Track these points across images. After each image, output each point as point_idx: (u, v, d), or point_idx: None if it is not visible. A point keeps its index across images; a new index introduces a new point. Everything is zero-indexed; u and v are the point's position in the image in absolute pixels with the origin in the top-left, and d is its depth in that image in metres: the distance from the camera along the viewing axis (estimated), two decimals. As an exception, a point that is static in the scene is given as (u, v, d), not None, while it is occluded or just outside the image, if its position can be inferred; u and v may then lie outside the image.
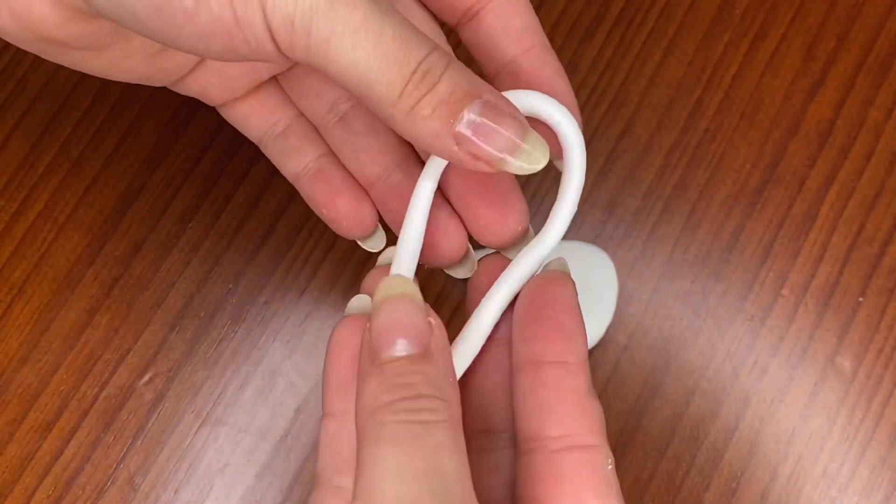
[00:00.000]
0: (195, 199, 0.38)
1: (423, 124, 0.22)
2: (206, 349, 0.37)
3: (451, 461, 0.20)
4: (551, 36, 0.40)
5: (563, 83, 0.27)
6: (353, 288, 0.37)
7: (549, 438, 0.22)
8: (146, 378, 0.37)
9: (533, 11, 0.28)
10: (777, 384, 0.37)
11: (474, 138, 0.22)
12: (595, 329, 0.36)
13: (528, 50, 0.27)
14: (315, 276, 0.38)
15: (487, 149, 0.22)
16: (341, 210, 0.29)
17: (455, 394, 0.22)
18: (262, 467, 0.36)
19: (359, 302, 0.26)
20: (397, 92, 0.22)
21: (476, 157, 0.22)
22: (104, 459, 0.36)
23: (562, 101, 0.25)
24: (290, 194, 0.38)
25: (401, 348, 0.22)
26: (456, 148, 0.22)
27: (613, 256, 0.37)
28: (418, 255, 0.26)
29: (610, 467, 0.22)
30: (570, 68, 0.40)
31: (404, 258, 0.26)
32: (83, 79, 0.39)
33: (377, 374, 0.22)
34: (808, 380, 0.37)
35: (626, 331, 0.37)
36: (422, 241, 0.26)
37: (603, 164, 0.39)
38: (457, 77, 0.22)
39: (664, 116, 0.39)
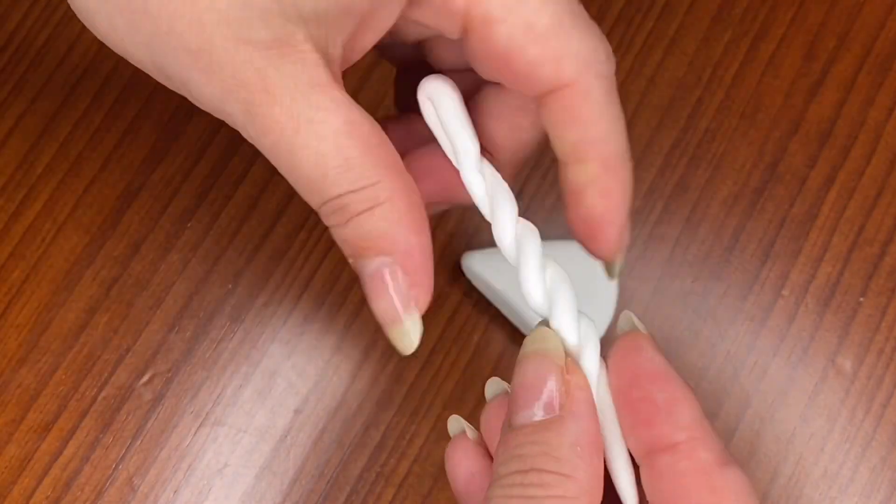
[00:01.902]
0: (194, 199, 0.38)
1: (337, 242, 0.22)
2: (205, 350, 0.37)
3: None
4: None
5: (607, 213, 0.23)
6: (353, 289, 0.37)
7: None
8: (145, 378, 0.37)
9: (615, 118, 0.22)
10: (777, 385, 0.37)
11: (367, 288, 0.22)
12: (595, 329, 0.36)
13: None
14: (314, 277, 0.38)
15: (374, 303, 0.22)
16: None
17: (586, 464, 0.20)
18: (261, 468, 0.36)
19: (457, 423, 0.25)
20: (314, 207, 0.22)
21: (369, 302, 0.22)
22: (103, 460, 0.36)
23: (601, 236, 0.23)
24: (290, 194, 0.38)
25: (529, 414, 0.20)
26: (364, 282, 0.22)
27: (613, 256, 0.37)
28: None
29: None
30: (570, 68, 0.40)
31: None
32: (82, 79, 0.39)
33: (504, 442, 0.20)
34: (808, 380, 0.37)
35: (627, 331, 0.37)
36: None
37: (603, 164, 0.39)
38: (368, 225, 0.21)
39: (664, 116, 0.39)
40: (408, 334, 0.22)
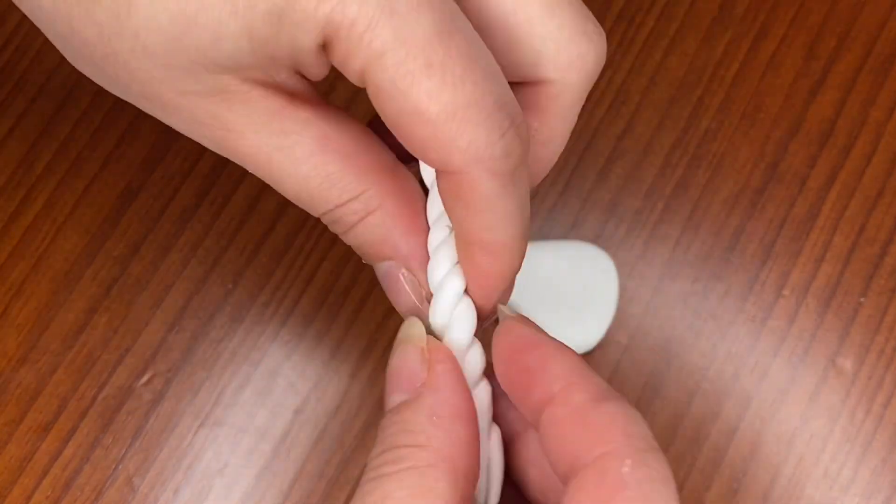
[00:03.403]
0: (194, 198, 0.38)
1: None
2: (205, 350, 0.37)
3: None
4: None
5: (483, 291, 0.22)
6: (353, 289, 0.37)
7: (563, 480, 0.19)
8: (145, 378, 0.37)
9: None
10: (778, 385, 0.36)
11: (384, 285, 0.22)
12: (596, 329, 0.36)
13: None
14: (314, 277, 0.38)
15: (394, 301, 0.22)
16: None
17: (443, 432, 0.20)
18: (261, 468, 0.36)
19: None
20: (317, 215, 0.21)
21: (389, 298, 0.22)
22: (103, 460, 0.36)
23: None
24: (290, 194, 0.38)
25: (394, 398, 0.21)
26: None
27: (614, 257, 0.37)
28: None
29: (626, 469, 0.18)
30: (571, 68, 0.39)
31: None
32: (82, 78, 0.39)
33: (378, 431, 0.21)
34: (809, 380, 0.37)
35: (627, 331, 0.37)
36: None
37: (603, 164, 0.38)
38: (366, 235, 0.21)
39: (665, 116, 0.39)
40: (408, 328, 0.22)
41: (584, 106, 0.40)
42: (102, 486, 0.36)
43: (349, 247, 0.40)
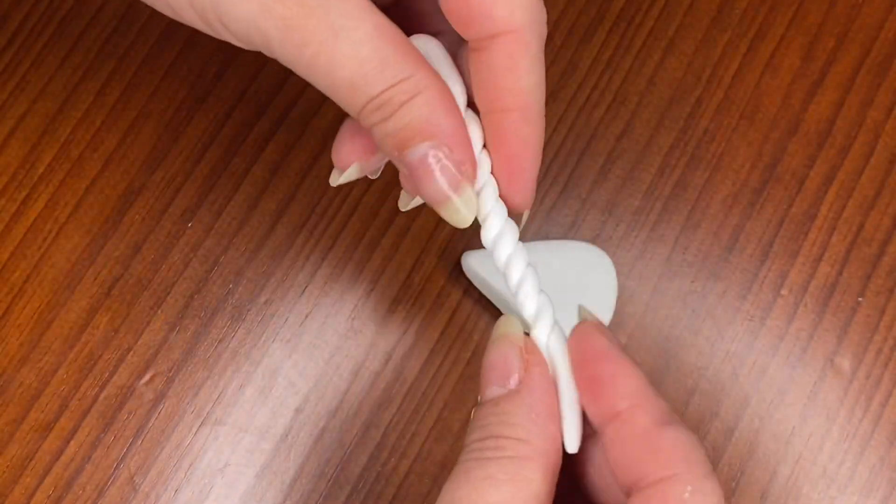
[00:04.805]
0: (195, 199, 0.38)
1: (379, 142, 0.24)
2: (206, 349, 0.37)
3: (498, 493, 0.20)
4: (551, 35, 0.40)
5: (524, 161, 0.25)
6: (353, 288, 0.38)
7: (624, 490, 0.21)
8: (146, 378, 0.37)
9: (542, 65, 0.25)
10: (776, 384, 0.37)
11: (415, 175, 0.23)
12: (595, 329, 0.36)
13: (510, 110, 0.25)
14: (315, 276, 0.38)
15: (423, 189, 0.24)
16: None
17: (540, 429, 0.22)
18: (261, 467, 0.36)
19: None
20: (354, 112, 0.23)
21: (418, 190, 0.24)
22: (104, 459, 0.36)
23: (517, 180, 0.25)
24: (290, 194, 0.38)
25: (493, 390, 0.23)
26: (406, 173, 0.24)
27: (613, 256, 0.37)
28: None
29: (687, 495, 0.20)
30: (570, 68, 0.40)
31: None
32: (83, 79, 0.39)
33: (473, 419, 0.23)
34: (807, 380, 0.37)
35: (626, 331, 0.37)
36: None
37: (602, 164, 0.39)
38: (412, 113, 0.23)
39: (664, 116, 0.39)
40: (459, 210, 0.24)
41: (583, 106, 0.40)
42: (104, 485, 0.36)
43: (349, 247, 0.40)
